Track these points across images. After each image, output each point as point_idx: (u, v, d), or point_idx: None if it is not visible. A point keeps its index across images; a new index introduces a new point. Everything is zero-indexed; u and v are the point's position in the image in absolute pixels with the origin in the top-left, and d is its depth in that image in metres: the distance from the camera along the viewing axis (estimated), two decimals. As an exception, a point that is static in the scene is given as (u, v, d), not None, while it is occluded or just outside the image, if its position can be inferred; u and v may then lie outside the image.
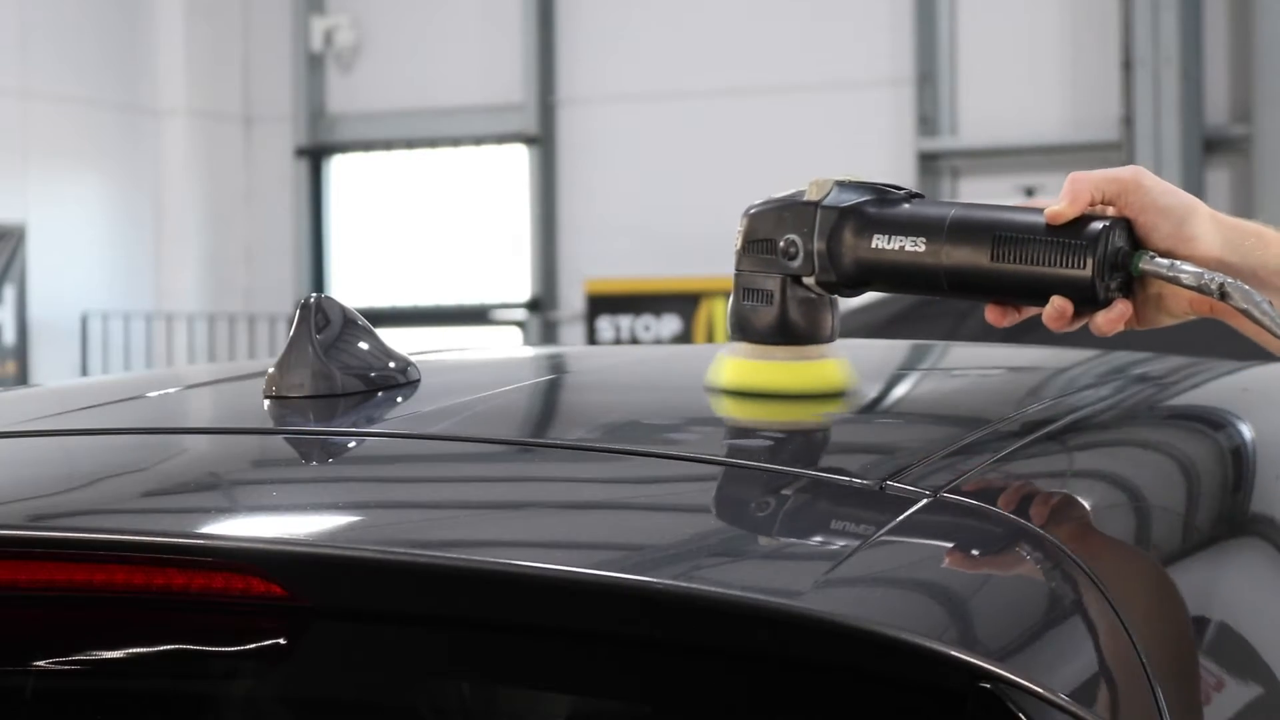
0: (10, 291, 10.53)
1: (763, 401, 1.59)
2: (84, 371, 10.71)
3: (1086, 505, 1.44)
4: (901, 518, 1.24)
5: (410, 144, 11.42)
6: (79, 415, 1.70)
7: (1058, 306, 1.48)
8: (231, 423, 1.69)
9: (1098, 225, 1.47)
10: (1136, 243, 1.50)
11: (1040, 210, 1.50)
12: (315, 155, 11.65)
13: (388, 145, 11.51)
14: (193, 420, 1.77)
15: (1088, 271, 1.47)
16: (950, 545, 1.25)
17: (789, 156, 10.11)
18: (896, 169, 10.23)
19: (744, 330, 1.58)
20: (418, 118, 11.33)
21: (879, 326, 3.77)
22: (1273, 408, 1.98)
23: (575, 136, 11.05)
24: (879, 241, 1.52)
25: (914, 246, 1.51)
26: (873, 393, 1.80)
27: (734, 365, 1.59)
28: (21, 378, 10.43)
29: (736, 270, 1.58)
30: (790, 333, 1.56)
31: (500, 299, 11.35)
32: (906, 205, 1.54)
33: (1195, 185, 9.51)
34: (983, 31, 10.14)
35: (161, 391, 1.83)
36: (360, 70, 11.52)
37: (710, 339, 10.34)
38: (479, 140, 11.29)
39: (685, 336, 10.48)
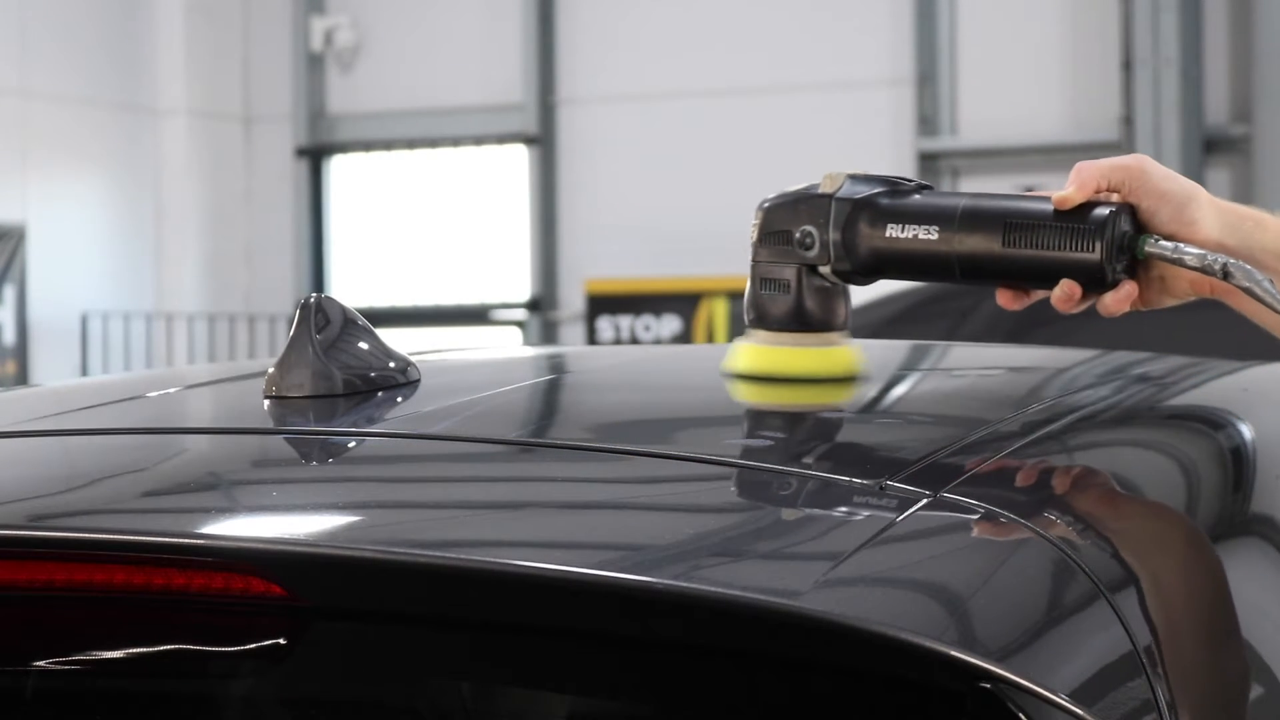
0: (10, 291, 10.53)
1: (769, 394, 1.64)
2: (84, 371, 10.71)
3: (1086, 505, 1.44)
4: (901, 518, 1.24)
5: (410, 144, 11.42)
6: (79, 415, 1.70)
7: (1066, 289, 1.54)
8: (232, 423, 1.69)
9: (1104, 210, 1.54)
10: (1140, 227, 1.56)
11: (1048, 198, 1.56)
12: (315, 155, 11.65)
13: (388, 145, 11.51)
14: (193, 420, 1.77)
15: (1097, 255, 1.53)
16: (950, 545, 1.25)
17: (789, 156, 10.11)
18: (896, 169, 10.15)
19: (762, 318, 1.63)
20: (418, 118, 11.33)
21: (878, 326, 3.77)
22: (1273, 408, 1.98)
23: (575, 136, 11.05)
24: (893, 231, 1.59)
25: (927, 235, 1.58)
26: (874, 392, 1.80)
27: (751, 351, 1.64)
28: (21, 378, 10.43)
29: (753, 261, 1.63)
30: (806, 320, 1.62)
31: (500, 299, 11.35)
32: (917, 196, 1.61)
33: (1195, 185, 9.52)
34: (983, 31, 10.14)
35: (161, 391, 1.83)
36: (360, 70, 11.52)
37: (710, 339, 10.34)
38: (479, 140, 11.29)
39: (685, 336, 10.48)
